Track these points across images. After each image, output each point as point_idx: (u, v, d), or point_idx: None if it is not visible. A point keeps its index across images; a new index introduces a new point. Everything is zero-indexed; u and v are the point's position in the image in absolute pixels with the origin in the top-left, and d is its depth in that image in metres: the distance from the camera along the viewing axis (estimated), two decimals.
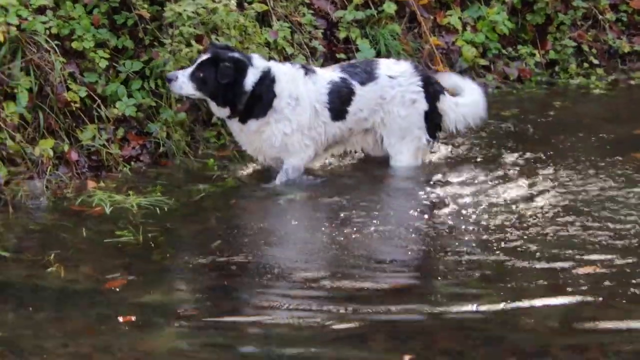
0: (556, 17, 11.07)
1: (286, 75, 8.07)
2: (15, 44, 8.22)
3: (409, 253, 6.94)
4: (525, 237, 6.94)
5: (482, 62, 10.73)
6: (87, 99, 8.51)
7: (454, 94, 8.54)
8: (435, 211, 7.56)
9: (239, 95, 7.93)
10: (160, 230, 7.29)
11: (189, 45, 8.64)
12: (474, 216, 7.36)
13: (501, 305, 5.95)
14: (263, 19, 9.55)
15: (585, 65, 11.10)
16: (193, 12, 8.69)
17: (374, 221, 7.34)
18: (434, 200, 7.77)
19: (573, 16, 11.13)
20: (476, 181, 8.05)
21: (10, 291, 6.41)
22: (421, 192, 7.91)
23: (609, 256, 6.55)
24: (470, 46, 10.64)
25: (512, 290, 6.16)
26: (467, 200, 7.68)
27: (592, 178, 8.02)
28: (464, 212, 7.46)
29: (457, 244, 6.92)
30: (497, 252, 6.73)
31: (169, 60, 8.59)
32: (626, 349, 5.50)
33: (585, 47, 11.14)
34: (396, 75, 8.25)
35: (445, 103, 8.39)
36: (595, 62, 11.11)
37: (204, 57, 7.96)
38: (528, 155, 8.59)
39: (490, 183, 8.00)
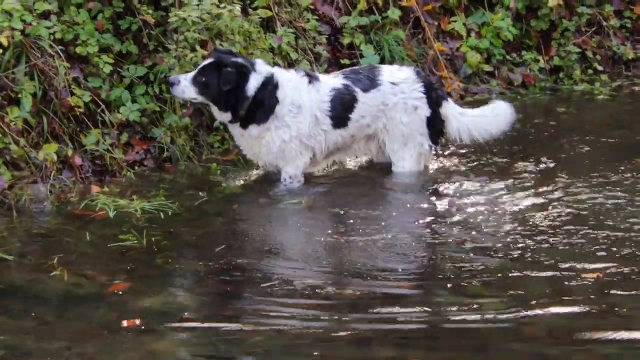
0: (560, 23, 11.07)
1: (290, 82, 8.06)
2: (20, 49, 8.24)
3: (412, 260, 6.92)
4: (528, 244, 6.92)
5: (487, 68, 10.73)
6: (91, 103, 8.53)
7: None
8: (438, 218, 7.54)
9: (241, 100, 7.93)
10: (164, 234, 7.29)
11: (193, 50, 8.66)
12: (477, 223, 7.35)
13: (504, 313, 5.93)
14: (267, 25, 9.57)
15: (590, 71, 11.11)
16: (198, 18, 8.71)
17: (377, 228, 7.33)
18: (437, 207, 7.76)
19: (577, 22, 11.14)
20: (479, 188, 8.04)
21: (14, 295, 6.41)
22: (424, 199, 7.91)
23: (613, 264, 6.52)
24: (475, 52, 10.65)
25: (514, 298, 6.14)
26: (471, 207, 7.66)
27: (596, 184, 7.99)
28: (467, 219, 7.45)
29: (460, 251, 6.90)
30: (500, 259, 6.72)
31: (175, 66, 8.61)
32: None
33: (590, 54, 11.15)
34: (398, 82, 8.25)
35: (448, 109, 8.39)
36: (600, 68, 11.12)
37: (207, 61, 7.97)
38: (532, 161, 8.58)
39: (493, 189, 7.99)
